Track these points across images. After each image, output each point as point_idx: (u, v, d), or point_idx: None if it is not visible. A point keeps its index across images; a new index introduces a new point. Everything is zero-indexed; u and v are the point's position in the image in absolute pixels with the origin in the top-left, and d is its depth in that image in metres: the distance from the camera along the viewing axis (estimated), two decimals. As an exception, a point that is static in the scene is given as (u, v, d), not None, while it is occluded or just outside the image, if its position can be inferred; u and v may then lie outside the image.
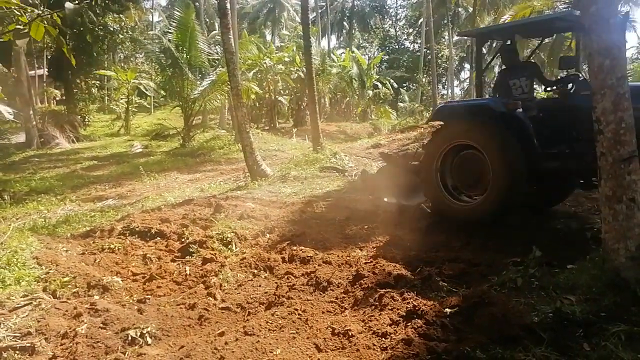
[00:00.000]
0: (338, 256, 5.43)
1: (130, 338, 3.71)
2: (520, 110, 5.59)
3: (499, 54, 6.81)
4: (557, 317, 3.34)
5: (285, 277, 4.98)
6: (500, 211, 5.53)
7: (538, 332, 3.24)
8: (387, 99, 31.27)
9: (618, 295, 3.43)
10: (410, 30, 47.95)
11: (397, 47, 46.29)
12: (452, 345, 3.23)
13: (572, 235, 5.39)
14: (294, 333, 3.74)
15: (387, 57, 42.54)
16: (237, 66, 12.52)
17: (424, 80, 37.50)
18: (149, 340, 3.74)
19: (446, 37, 38.92)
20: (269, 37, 42.95)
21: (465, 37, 27.02)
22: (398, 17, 51.54)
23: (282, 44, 33.38)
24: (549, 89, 6.59)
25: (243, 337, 3.71)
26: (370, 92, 30.27)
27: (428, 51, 33.87)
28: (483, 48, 6.58)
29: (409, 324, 3.54)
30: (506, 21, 24.94)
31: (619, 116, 3.72)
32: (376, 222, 6.77)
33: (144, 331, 3.78)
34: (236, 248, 6.09)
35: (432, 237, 5.85)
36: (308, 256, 5.41)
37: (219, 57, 21.32)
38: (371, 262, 4.96)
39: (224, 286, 4.87)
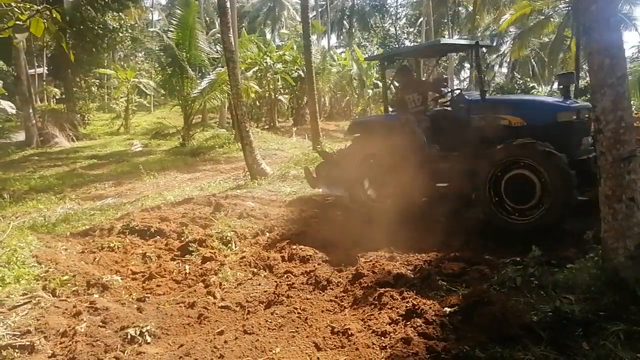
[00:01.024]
0: (338, 255, 5.44)
1: (129, 337, 3.71)
2: (413, 122, 6.62)
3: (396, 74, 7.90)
4: (556, 316, 3.34)
5: (285, 276, 4.99)
6: (406, 205, 6.36)
7: (537, 331, 3.23)
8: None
9: (617, 294, 3.43)
10: (411, 29, 47.89)
11: (397, 46, 46.21)
12: (451, 344, 3.23)
13: (572, 234, 5.38)
14: (293, 332, 3.75)
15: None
16: (237, 65, 12.50)
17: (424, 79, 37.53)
18: (149, 339, 3.75)
19: (446, 37, 38.87)
20: (268, 36, 42.87)
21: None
22: (398, 16, 51.46)
23: (282, 43, 33.35)
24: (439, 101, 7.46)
25: (242, 335, 3.72)
26: (370, 91, 30.25)
27: (428, 50, 33.88)
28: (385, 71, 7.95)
29: (409, 323, 3.54)
30: (506, 20, 25.06)
31: (618, 115, 3.69)
32: (376, 221, 6.77)
33: (144, 330, 3.79)
34: (236, 247, 6.09)
35: (431, 236, 5.85)
36: (307, 255, 5.42)
37: (219, 56, 21.29)
38: (370, 261, 4.96)
39: (224, 285, 4.88)
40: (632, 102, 23.62)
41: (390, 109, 7.68)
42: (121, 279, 5.16)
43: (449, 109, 6.90)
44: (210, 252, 5.70)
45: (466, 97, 6.71)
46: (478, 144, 6.11)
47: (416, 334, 3.39)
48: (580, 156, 5.78)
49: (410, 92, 7.12)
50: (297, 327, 3.82)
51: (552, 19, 26.65)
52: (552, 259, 4.57)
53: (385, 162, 6.73)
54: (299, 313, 4.02)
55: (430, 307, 3.66)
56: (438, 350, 3.18)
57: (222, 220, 6.91)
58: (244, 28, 33.26)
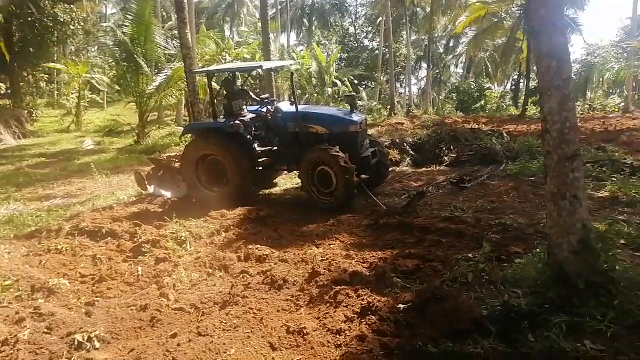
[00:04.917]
0: (294, 254, 5.42)
1: (77, 343, 3.57)
2: (242, 127, 7.97)
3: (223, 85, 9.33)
4: (505, 310, 3.45)
5: (241, 276, 4.94)
6: (238, 194, 7.85)
7: (487, 325, 3.32)
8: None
9: (561, 288, 3.56)
10: (370, 28, 48.29)
11: (356, 45, 46.40)
12: (405, 340, 3.28)
13: (521, 230, 5.56)
14: (248, 332, 3.71)
15: (346, 55, 42.67)
16: (194, 62, 12.28)
17: (382, 78, 37.90)
18: (97, 345, 3.62)
19: (404, 37, 39.40)
20: (227, 33, 42.28)
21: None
22: (357, 15, 51.81)
23: (241, 40, 32.98)
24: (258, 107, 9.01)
25: (196, 338, 3.66)
26: (330, 89, 30.32)
27: (386, 50, 34.20)
28: (212, 82, 9.23)
29: (364, 320, 3.58)
30: (461, 21, 25.74)
31: (564, 116, 3.82)
32: (333, 220, 6.81)
33: (92, 335, 3.66)
34: (191, 247, 5.97)
35: (387, 234, 5.92)
36: (264, 255, 5.38)
37: (176, 52, 20.83)
38: (327, 259, 4.97)
39: (178, 286, 4.77)
40: (578, 103, 24.66)
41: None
42: (69, 282, 4.96)
43: (269, 116, 8.56)
44: (164, 253, 5.55)
45: (282, 108, 8.44)
46: (294, 145, 7.99)
47: (371, 332, 3.42)
48: (363, 154, 7.99)
49: (235, 99, 8.51)
50: (253, 328, 3.78)
51: (505, 22, 27.54)
52: (502, 254, 4.71)
53: (219, 159, 8.05)
54: (254, 313, 3.99)
55: (385, 305, 3.70)
56: (392, 347, 3.23)
57: (177, 220, 6.75)
58: (202, 24, 32.58)
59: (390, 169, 9.32)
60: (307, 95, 28.51)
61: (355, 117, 8.05)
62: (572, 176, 3.79)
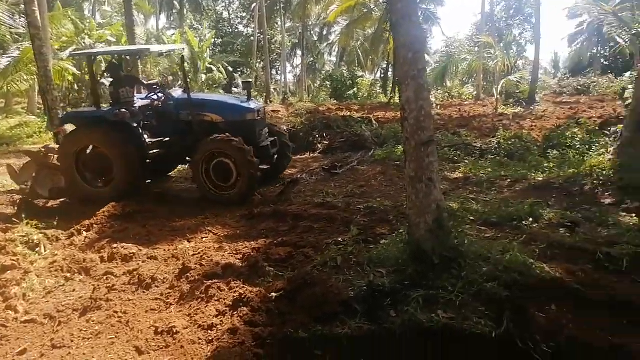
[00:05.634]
0: (164, 250, 5.20)
1: None
2: (128, 116, 7.36)
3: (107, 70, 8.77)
4: (370, 290, 3.64)
5: (104, 278, 4.61)
6: (126, 190, 7.17)
7: (354, 306, 3.48)
8: (221, 84, 30.67)
9: (419, 264, 3.85)
10: (244, 14, 47.48)
11: (230, 30, 45.40)
12: (276, 328, 3.32)
13: (386, 213, 5.90)
14: (112, 338, 3.49)
15: (220, 40, 41.63)
16: (46, 43, 11.06)
17: (257, 65, 37.67)
18: None
19: (279, 23, 39.46)
20: (88, 13, 38.61)
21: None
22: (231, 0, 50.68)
23: (104, 21, 30.41)
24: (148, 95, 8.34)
25: (50, 351, 3.37)
26: (204, 75, 29.39)
27: (261, 36, 34.01)
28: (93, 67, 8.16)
29: (235, 313, 3.55)
30: (333, 10, 26.41)
31: (419, 105, 4.09)
32: (206, 212, 6.64)
33: None
34: (46, 251, 5.40)
35: (261, 224, 5.92)
36: (131, 253, 5.06)
37: (25, 31, 18.52)
38: (199, 253, 4.83)
39: (29, 296, 4.32)
40: (438, 91, 26.75)
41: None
42: None
43: (159, 104, 7.96)
44: (11, 260, 4.92)
45: (174, 95, 7.94)
46: (187, 135, 7.51)
47: (243, 323, 3.40)
48: (261, 143, 7.70)
49: (121, 86, 7.81)
50: (118, 333, 3.56)
51: (374, 13, 28.86)
52: (368, 237, 4.95)
53: (103, 152, 7.29)
54: (119, 317, 3.76)
55: (257, 295, 3.70)
56: (264, 337, 3.24)
57: (29, 222, 6.05)
58: (57, 1, 29.34)
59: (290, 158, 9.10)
60: (179, 82, 27.29)
61: (252, 105, 7.77)
62: (427, 160, 4.09)
